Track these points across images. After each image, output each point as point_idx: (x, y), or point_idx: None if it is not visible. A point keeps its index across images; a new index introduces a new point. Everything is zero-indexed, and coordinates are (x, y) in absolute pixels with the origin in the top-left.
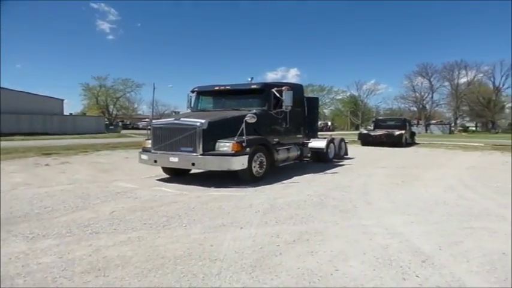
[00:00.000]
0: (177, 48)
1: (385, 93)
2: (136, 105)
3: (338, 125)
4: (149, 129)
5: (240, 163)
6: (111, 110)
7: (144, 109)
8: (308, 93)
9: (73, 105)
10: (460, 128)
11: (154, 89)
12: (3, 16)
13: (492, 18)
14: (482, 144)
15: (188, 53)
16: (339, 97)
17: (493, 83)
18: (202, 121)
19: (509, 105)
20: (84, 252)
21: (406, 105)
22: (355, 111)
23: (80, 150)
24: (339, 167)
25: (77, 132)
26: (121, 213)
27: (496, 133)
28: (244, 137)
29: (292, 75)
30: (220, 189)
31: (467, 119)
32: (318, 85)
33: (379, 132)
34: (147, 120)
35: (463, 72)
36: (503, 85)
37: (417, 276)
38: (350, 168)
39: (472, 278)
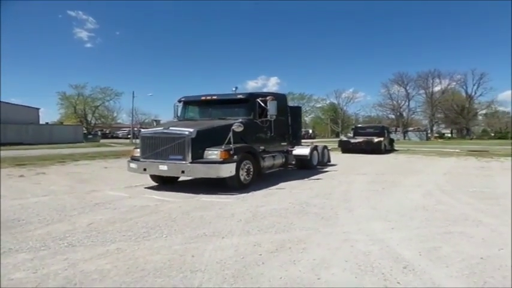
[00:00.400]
0: (156, 57)
1: (363, 101)
2: (115, 114)
3: (319, 132)
4: (129, 138)
5: (228, 170)
6: (89, 119)
7: (123, 118)
8: (289, 102)
9: (50, 114)
10: (436, 135)
11: (133, 97)
12: (4, 16)
13: (463, 30)
14: (457, 150)
15: (168, 62)
16: (318, 105)
17: (466, 91)
18: (191, 130)
19: (483, 112)
20: (60, 266)
21: (384, 113)
22: (335, 118)
23: (56, 161)
24: (322, 174)
25: (54, 141)
26: (99, 224)
27: (471, 139)
28: (231, 145)
29: (272, 84)
30: (208, 195)
31: (443, 125)
32: (299, 93)
33: (358, 139)
34: (126, 129)
35: (437, 80)
36: (475, 93)
37: (398, 283)
38: (332, 175)
39: (452, 283)
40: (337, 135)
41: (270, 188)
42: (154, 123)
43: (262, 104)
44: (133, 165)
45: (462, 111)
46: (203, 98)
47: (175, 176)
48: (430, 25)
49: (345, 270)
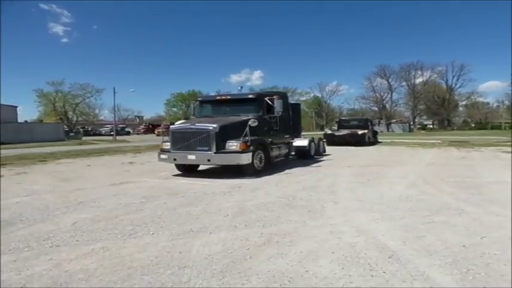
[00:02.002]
0: (137, 51)
1: (347, 94)
2: (97, 111)
3: (303, 126)
4: (112, 135)
5: (246, 159)
6: (70, 116)
7: (106, 114)
8: None
9: (28, 111)
10: (419, 126)
11: (115, 93)
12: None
13: (444, 21)
14: (439, 141)
15: (149, 56)
16: (303, 98)
17: (446, 82)
18: (214, 125)
19: (463, 103)
20: (44, 267)
21: (368, 105)
22: (319, 112)
23: (37, 160)
24: (320, 162)
25: (34, 140)
26: (84, 223)
27: (452, 130)
28: (248, 138)
29: (256, 77)
30: (230, 179)
31: (425, 117)
32: (283, 87)
33: (343, 132)
34: (109, 126)
35: (419, 72)
36: (455, 85)
37: (384, 272)
38: (320, 167)
39: (435, 271)
40: (322, 129)
41: (281, 172)
42: (137, 120)
43: (270, 102)
44: (163, 156)
45: (443, 102)
46: (218, 97)
47: (202, 164)
48: (410, 17)
49: (332, 262)
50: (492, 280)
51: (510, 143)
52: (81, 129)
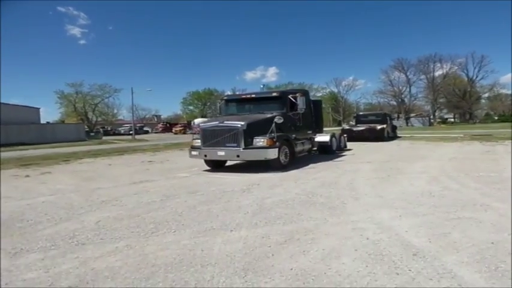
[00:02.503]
0: (152, 51)
1: (364, 89)
2: (116, 111)
3: None
4: (131, 134)
5: (272, 154)
6: (90, 116)
7: (124, 114)
8: None
9: (50, 113)
10: (439, 120)
11: (132, 93)
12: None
13: (462, 12)
14: (461, 135)
15: (165, 55)
16: (319, 94)
17: (467, 74)
18: (242, 123)
19: (485, 95)
20: (71, 265)
21: (385, 100)
22: (336, 107)
23: (61, 159)
24: (342, 157)
25: (57, 140)
26: (107, 222)
27: (474, 123)
28: (274, 134)
29: (271, 74)
30: (256, 173)
31: (445, 110)
32: (298, 83)
33: (361, 127)
34: (127, 125)
35: (438, 65)
36: (476, 76)
37: (409, 270)
38: (337, 164)
39: (463, 269)
40: (339, 124)
41: (305, 166)
42: (155, 119)
43: (293, 100)
44: (194, 152)
45: (464, 95)
46: (243, 96)
47: (231, 159)
48: (426, 9)
49: (355, 260)
50: None
51: None
52: (101, 129)
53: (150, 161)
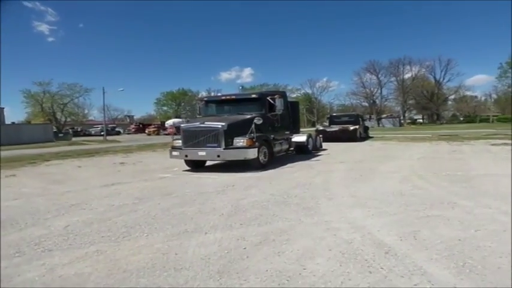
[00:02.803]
0: (125, 50)
1: (337, 90)
2: (86, 111)
3: None
4: (102, 135)
5: (252, 154)
6: (59, 117)
7: (95, 114)
8: None
9: (16, 113)
10: (409, 121)
11: (104, 93)
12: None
13: (431, 15)
14: (430, 135)
15: (138, 54)
16: (293, 95)
17: (434, 77)
18: (223, 124)
19: (452, 97)
20: (37, 273)
21: (358, 101)
22: (310, 108)
23: (26, 162)
24: (318, 157)
25: (22, 142)
26: (76, 226)
27: (441, 124)
28: (253, 134)
29: (246, 75)
30: (233, 173)
31: (415, 111)
32: (273, 84)
33: (334, 128)
34: (99, 126)
35: (407, 67)
36: (443, 79)
37: (382, 268)
38: (323, 160)
39: (432, 266)
40: (313, 125)
41: (283, 166)
42: (128, 119)
43: (271, 101)
44: (175, 153)
45: (432, 97)
46: (223, 97)
47: (212, 159)
48: (397, 13)
49: (330, 259)
50: (489, 273)
51: (500, 136)
52: (70, 130)
53: (122, 163)
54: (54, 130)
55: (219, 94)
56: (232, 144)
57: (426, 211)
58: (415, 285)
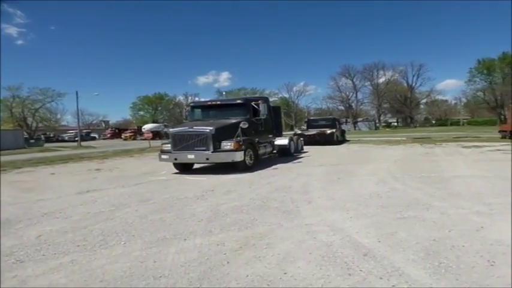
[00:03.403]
0: (99, 53)
1: (314, 94)
2: (59, 116)
3: None
4: (76, 141)
5: (239, 156)
6: (30, 122)
7: (69, 119)
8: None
9: None
10: (384, 124)
11: (77, 97)
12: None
13: (403, 23)
14: (404, 138)
15: (113, 58)
16: (271, 99)
17: (407, 82)
18: (211, 128)
19: (424, 101)
20: (8, 285)
21: (334, 105)
22: (288, 112)
23: None
24: (300, 159)
25: None
26: (49, 236)
27: (415, 127)
28: (240, 138)
29: (224, 79)
30: (213, 177)
31: (389, 115)
32: (250, 88)
33: (312, 131)
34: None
35: (381, 72)
36: (415, 84)
37: (361, 270)
38: (291, 167)
39: (409, 266)
40: (292, 129)
41: (269, 167)
42: (103, 124)
43: (255, 106)
44: (164, 156)
45: (405, 101)
46: (209, 103)
47: (201, 162)
48: (370, 17)
49: (310, 263)
50: (463, 272)
51: (470, 139)
52: (42, 136)
53: (98, 169)
54: (25, 136)
55: (205, 100)
56: (219, 148)
57: (403, 212)
58: (393, 286)
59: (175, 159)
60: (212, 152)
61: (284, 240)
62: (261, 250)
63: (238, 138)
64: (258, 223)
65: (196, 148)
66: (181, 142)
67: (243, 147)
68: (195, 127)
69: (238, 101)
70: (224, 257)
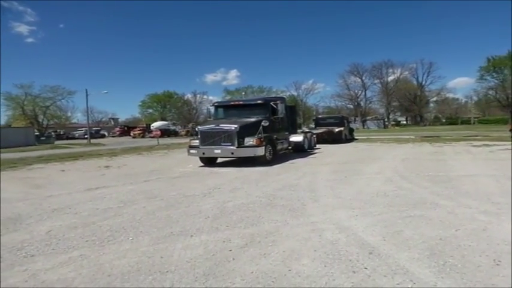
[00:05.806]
0: (108, 51)
1: (323, 92)
2: (69, 114)
3: None
4: (86, 138)
5: (260, 151)
6: (40, 120)
7: (79, 117)
8: (248, 95)
9: None
10: (393, 123)
11: (87, 95)
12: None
13: (413, 20)
14: (413, 137)
15: (122, 56)
16: None
17: (417, 80)
18: (236, 126)
19: (434, 99)
20: (19, 278)
21: (343, 103)
22: (296, 110)
23: (7, 166)
24: (313, 154)
25: (3, 146)
26: (59, 231)
27: (424, 126)
28: (261, 135)
29: (232, 77)
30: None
31: (398, 113)
32: (258, 86)
33: (320, 130)
34: (82, 129)
35: (390, 70)
36: (425, 81)
37: (365, 268)
38: (298, 165)
39: (414, 265)
40: (299, 127)
41: (286, 162)
42: (112, 122)
43: (274, 106)
44: (193, 151)
45: (415, 99)
46: (232, 103)
47: (226, 156)
48: (381, 15)
49: (315, 260)
50: (468, 271)
51: (480, 138)
52: (53, 133)
53: (107, 166)
54: (36, 133)
55: (228, 99)
56: (243, 143)
57: (409, 211)
58: (398, 284)
59: (203, 153)
60: (237, 147)
61: (289, 238)
62: (266, 247)
63: (260, 135)
64: (264, 220)
65: (222, 144)
66: (209, 138)
67: (264, 143)
68: (221, 125)
69: (259, 101)
70: (230, 254)
